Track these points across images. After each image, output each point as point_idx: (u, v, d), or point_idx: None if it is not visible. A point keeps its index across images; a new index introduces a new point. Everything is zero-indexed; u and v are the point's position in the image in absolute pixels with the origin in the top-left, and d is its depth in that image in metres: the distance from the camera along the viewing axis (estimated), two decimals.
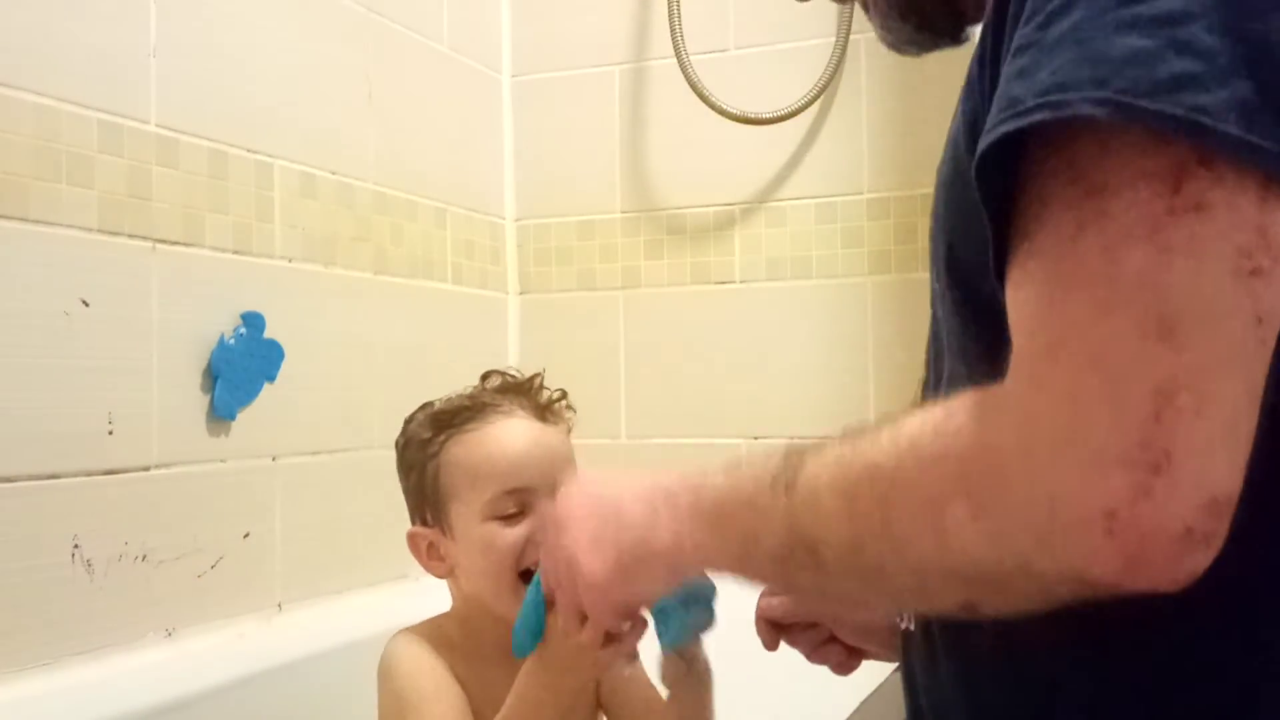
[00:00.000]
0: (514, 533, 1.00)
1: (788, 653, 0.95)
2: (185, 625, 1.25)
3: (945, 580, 0.53)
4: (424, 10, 1.71)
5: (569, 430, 1.09)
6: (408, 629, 1.06)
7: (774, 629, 0.93)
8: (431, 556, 1.05)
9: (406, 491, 1.08)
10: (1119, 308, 0.47)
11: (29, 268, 1.10)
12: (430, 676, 1.01)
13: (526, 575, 0.98)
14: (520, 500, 1.01)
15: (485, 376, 1.11)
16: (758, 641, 0.95)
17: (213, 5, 1.32)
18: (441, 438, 1.05)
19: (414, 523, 1.08)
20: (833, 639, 0.93)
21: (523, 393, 1.08)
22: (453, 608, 1.08)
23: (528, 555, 0.99)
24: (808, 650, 0.94)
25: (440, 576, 1.07)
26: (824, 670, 0.97)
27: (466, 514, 1.03)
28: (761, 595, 0.91)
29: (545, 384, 1.10)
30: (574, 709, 1.00)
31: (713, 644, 0.92)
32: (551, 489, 0.98)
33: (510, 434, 1.04)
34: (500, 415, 1.05)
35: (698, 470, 0.67)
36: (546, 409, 1.08)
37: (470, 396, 1.08)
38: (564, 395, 1.09)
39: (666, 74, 1.78)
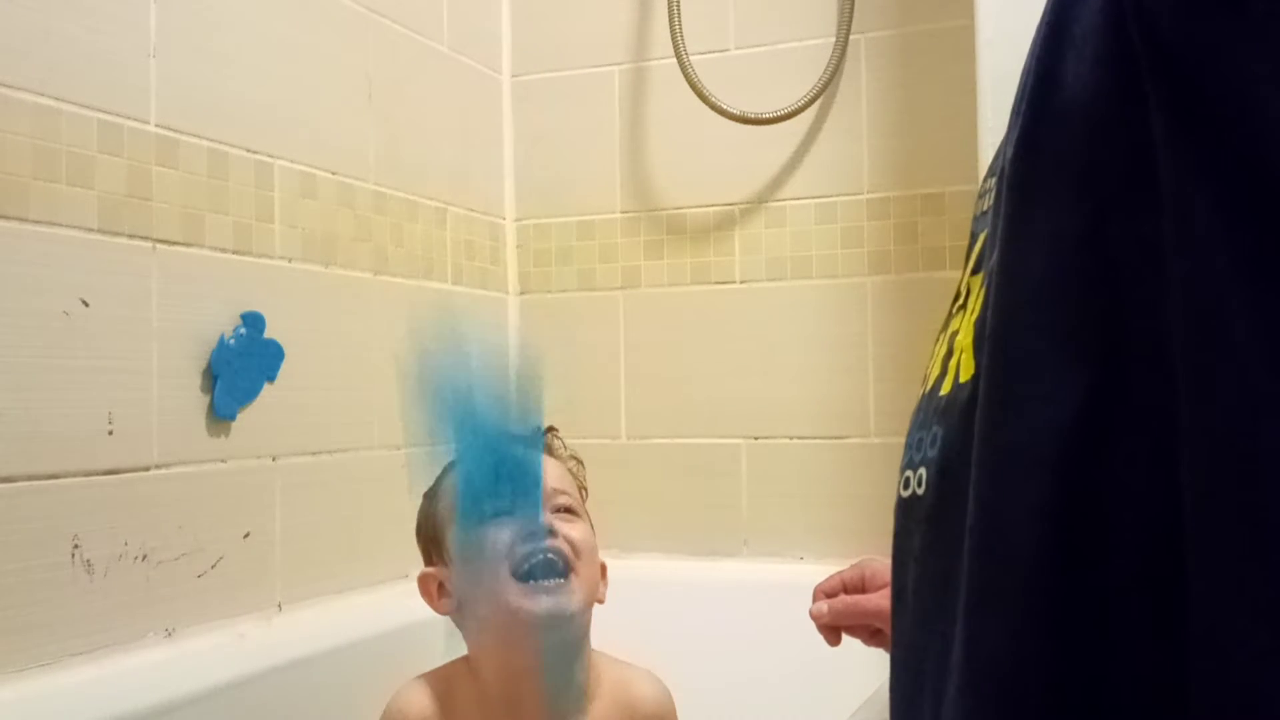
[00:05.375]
0: (503, 532, 1.00)
1: (790, 653, 0.96)
2: (185, 625, 1.25)
3: None
4: (424, 10, 1.71)
5: (567, 469, 1.09)
6: (418, 678, 1.05)
7: (833, 630, 1.01)
8: (440, 594, 1.05)
9: (420, 547, 1.09)
10: None
11: (29, 268, 1.10)
12: None
13: (519, 574, 0.98)
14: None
15: None
16: (761, 639, 0.96)
17: (213, 5, 1.32)
18: (440, 476, 1.07)
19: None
20: (880, 632, 1.00)
21: None
22: (468, 653, 1.06)
23: (516, 552, 0.99)
24: (864, 639, 1.01)
25: (445, 613, 1.06)
26: (828, 668, 1.01)
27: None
28: (813, 605, 1.00)
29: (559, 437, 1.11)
30: None
31: (721, 643, 0.92)
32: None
33: None
34: None
35: None
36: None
37: None
38: (555, 431, 1.11)
39: (666, 74, 1.78)
